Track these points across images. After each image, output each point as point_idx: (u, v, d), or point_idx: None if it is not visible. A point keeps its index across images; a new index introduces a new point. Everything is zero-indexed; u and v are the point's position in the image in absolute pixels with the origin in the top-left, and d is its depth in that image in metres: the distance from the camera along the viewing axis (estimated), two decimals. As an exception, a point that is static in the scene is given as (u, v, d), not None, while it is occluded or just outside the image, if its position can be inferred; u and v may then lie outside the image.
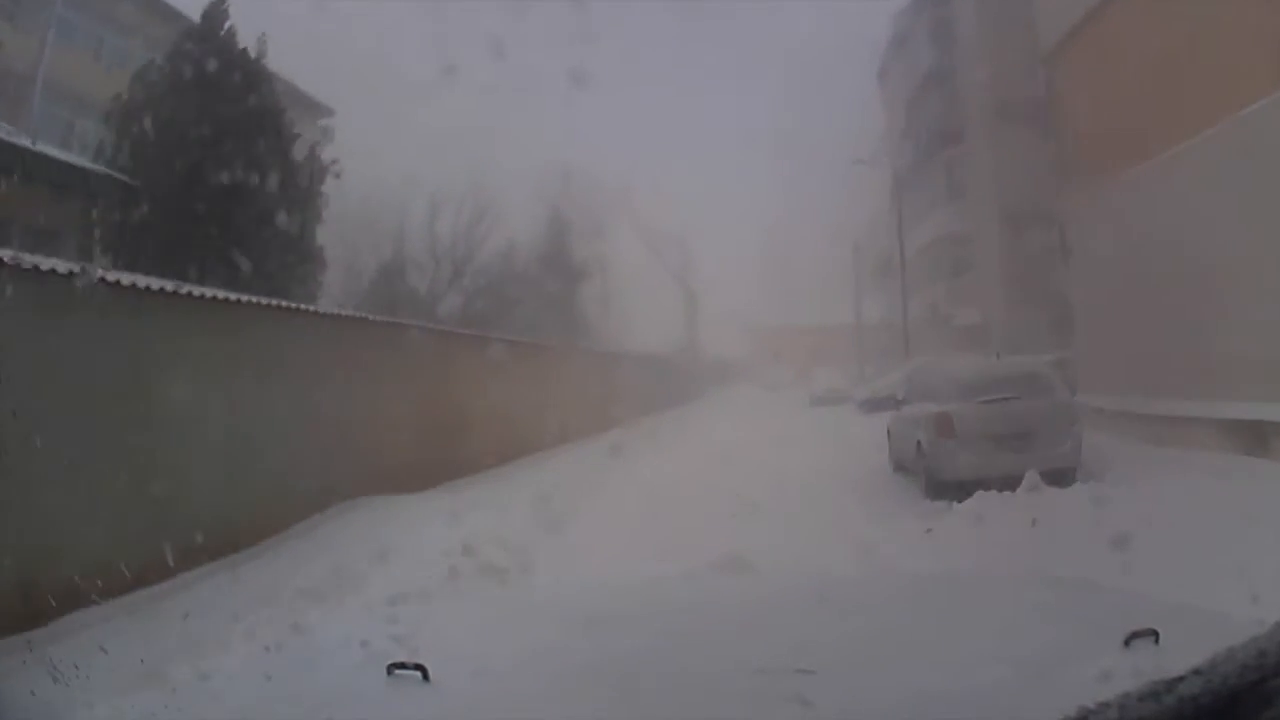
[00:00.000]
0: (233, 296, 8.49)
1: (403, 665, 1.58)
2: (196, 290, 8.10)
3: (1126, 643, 1.47)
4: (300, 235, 14.27)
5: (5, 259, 5.80)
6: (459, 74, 38.71)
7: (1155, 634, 1.48)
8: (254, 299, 8.83)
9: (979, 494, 8.81)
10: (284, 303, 9.75)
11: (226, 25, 14.01)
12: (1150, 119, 11.68)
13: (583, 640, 1.82)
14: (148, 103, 13.45)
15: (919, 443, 11.04)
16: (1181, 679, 0.88)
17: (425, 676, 1.55)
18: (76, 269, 6.38)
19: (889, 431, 13.37)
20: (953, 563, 6.88)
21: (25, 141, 12.97)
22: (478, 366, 15.10)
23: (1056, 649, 1.58)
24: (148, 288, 7.19)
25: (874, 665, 1.61)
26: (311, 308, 11.10)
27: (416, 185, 24.62)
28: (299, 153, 14.68)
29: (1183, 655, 0.95)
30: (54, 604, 5.50)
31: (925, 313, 31.03)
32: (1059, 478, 9.32)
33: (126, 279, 7.10)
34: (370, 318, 12.21)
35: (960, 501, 8.83)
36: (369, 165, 20.64)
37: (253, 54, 14.01)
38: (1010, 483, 8.87)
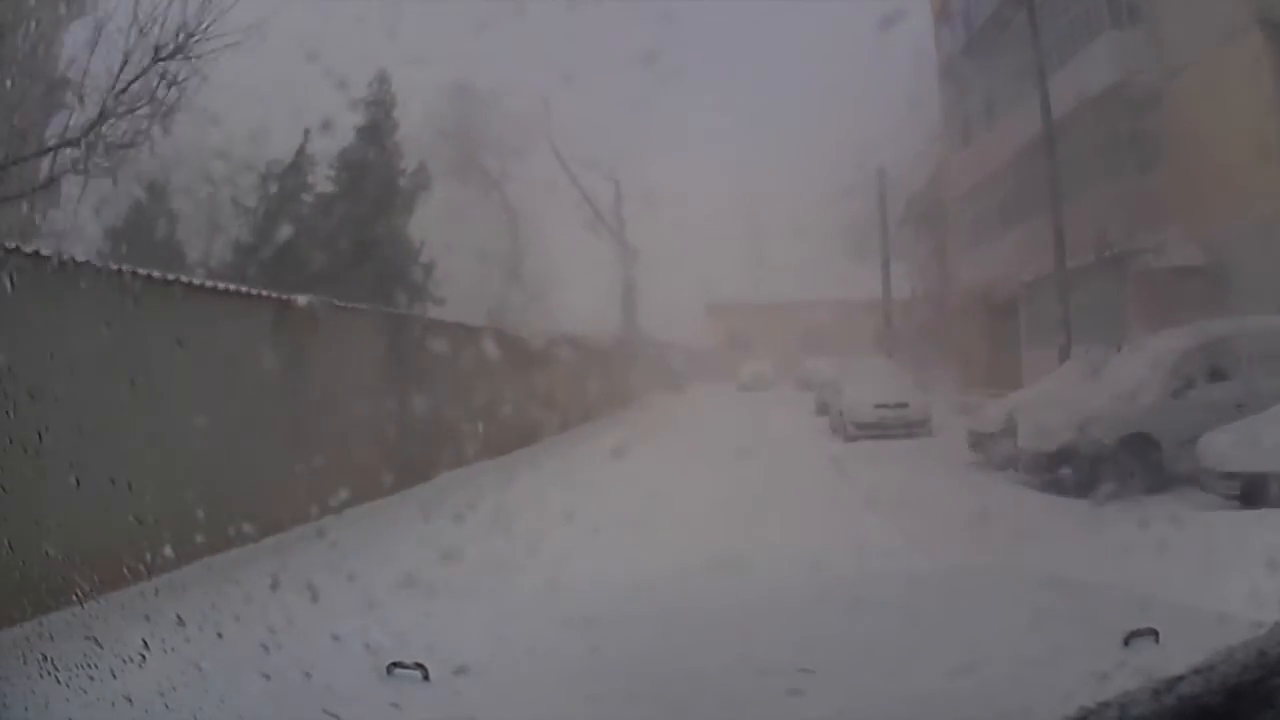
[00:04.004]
0: None
1: (403, 665, 1.58)
2: None
3: (1126, 642, 1.47)
4: None
5: None
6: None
7: (1155, 633, 1.48)
8: None
9: None
10: None
11: None
12: None
13: (583, 640, 1.82)
14: None
15: None
16: (1181, 678, 0.88)
17: (425, 676, 1.55)
18: None
19: None
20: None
21: None
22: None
23: (1056, 649, 1.58)
24: None
25: (874, 665, 1.61)
26: None
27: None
28: None
29: (1183, 655, 0.95)
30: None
31: (1078, 246, 15.60)
32: None
33: None
34: None
35: None
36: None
37: None
38: None
